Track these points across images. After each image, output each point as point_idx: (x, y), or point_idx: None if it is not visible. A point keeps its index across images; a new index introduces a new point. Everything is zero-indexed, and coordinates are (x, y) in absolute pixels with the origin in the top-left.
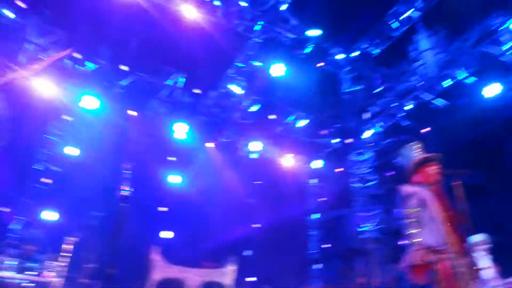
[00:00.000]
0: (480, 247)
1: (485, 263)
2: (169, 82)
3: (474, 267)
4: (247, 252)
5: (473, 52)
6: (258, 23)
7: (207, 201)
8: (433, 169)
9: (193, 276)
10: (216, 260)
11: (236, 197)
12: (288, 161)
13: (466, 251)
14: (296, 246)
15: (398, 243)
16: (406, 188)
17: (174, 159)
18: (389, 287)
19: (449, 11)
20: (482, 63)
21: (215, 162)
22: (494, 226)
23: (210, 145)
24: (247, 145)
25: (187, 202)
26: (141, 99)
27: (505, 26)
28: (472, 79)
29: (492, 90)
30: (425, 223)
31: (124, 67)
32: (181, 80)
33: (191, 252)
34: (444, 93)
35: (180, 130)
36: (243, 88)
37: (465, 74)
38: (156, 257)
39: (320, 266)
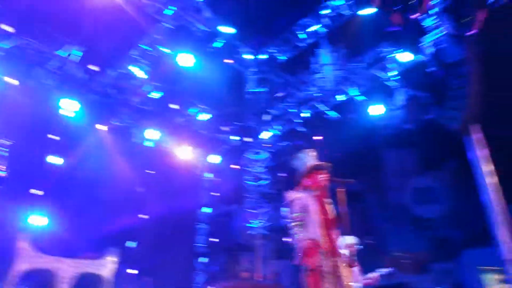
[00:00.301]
0: (350, 248)
1: (352, 263)
2: (61, 53)
3: (343, 266)
4: (132, 243)
5: (365, 74)
6: (170, 7)
7: (92, 187)
8: (321, 176)
9: (66, 267)
10: (96, 250)
11: (124, 185)
12: (184, 153)
13: (337, 252)
14: (184, 239)
15: (283, 240)
16: (291, 194)
17: (57, 138)
18: (270, 281)
19: (351, 34)
20: (372, 84)
21: (105, 146)
22: (369, 228)
23: (101, 127)
24: (143, 132)
25: (68, 186)
26: (26, 67)
27: (391, 55)
28: (361, 97)
29: (376, 109)
30: (307, 225)
31: (7, 28)
32: (76, 53)
33: (68, 241)
34: (337, 107)
35: (68, 107)
36: (145, 72)
37: (356, 92)
38: (23, 245)
39: (206, 259)
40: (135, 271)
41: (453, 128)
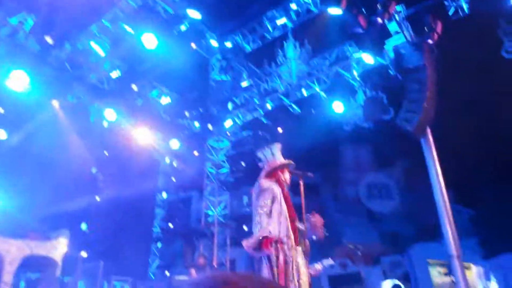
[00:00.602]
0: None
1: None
2: (13, 20)
3: (301, 257)
4: (85, 225)
5: (328, 71)
6: None
7: (44, 165)
8: (285, 173)
9: (15, 249)
10: (47, 231)
11: (79, 165)
12: (143, 136)
13: (297, 243)
14: (139, 223)
15: (240, 228)
16: (264, 182)
17: (0, 110)
18: (225, 267)
19: (317, 30)
20: (334, 81)
21: (58, 123)
22: (323, 220)
23: (54, 103)
24: (100, 111)
25: (17, 163)
26: None
27: (355, 55)
28: (324, 94)
29: (338, 107)
30: (274, 215)
31: None
32: (30, 22)
33: (17, 221)
34: (300, 101)
35: (17, 79)
36: (106, 49)
37: (319, 88)
38: None
39: (161, 244)
40: (86, 254)
41: (408, 130)
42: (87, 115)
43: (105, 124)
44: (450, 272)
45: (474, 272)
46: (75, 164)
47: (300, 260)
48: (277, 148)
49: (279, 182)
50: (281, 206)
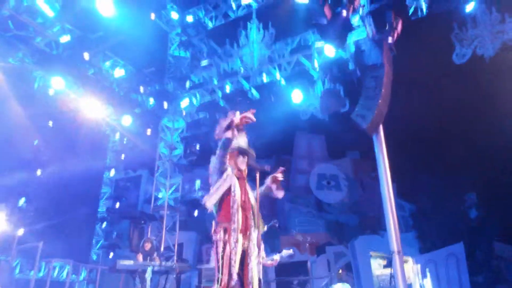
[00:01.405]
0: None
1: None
2: None
3: (253, 246)
4: (23, 201)
5: (290, 58)
6: None
7: None
8: (242, 160)
9: None
10: None
11: (19, 135)
12: (93, 109)
13: (250, 232)
14: (84, 202)
15: (192, 212)
16: (225, 167)
17: None
18: (172, 252)
19: (282, 15)
20: (296, 70)
21: None
22: (273, 208)
23: None
24: (46, 78)
25: None
26: None
27: (317, 45)
28: (284, 81)
29: (297, 96)
30: (226, 203)
31: None
32: None
33: None
34: (261, 87)
35: None
36: (55, 10)
37: (280, 75)
38: None
39: (106, 224)
40: (23, 232)
41: (361, 126)
42: (31, 81)
43: (51, 92)
44: (390, 265)
45: (411, 265)
46: (15, 133)
47: (251, 249)
48: (242, 136)
49: (235, 168)
50: (235, 194)
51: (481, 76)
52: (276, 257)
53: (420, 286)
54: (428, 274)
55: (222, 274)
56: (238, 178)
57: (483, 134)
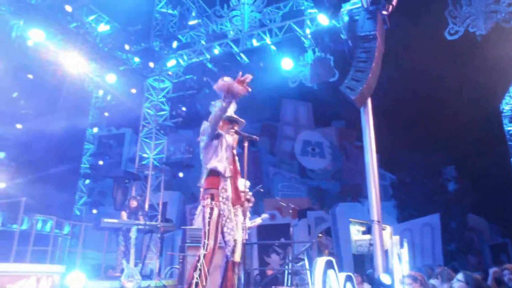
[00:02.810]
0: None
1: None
2: None
3: (240, 212)
4: (3, 155)
5: (282, 24)
6: None
7: None
8: (232, 129)
9: None
10: None
11: None
12: (76, 64)
13: (238, 199)
14: (67, 158)
15: (176, 173)
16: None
17: None
18: (156, 211)
19: None
20: (286, 37)
21: None
22: (258, 172)
23: None
24: (24, 28)
25: None
26: None
27: (310, 12)
28: (274, 47)
29: (287, 64)
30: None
31: None
32: None
33: None
34: (250, 51)
35: None
36: None
37: (270, 40)
38: None
39: (90, 181)
40: (4, 185)
41: (350, 98)
42: (8, 31)
43: (30, 43)
44: (368, 232)
45: (388, 233)
46: None
47: (237, 217)
48: (232, 104)
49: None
50: (224, 151)
51: (471, 54)
52: (258, 220)
53: (398, 256)
54: (405, 244)
55: (208, 239)
56: (229, 146)
57: (465, 110)
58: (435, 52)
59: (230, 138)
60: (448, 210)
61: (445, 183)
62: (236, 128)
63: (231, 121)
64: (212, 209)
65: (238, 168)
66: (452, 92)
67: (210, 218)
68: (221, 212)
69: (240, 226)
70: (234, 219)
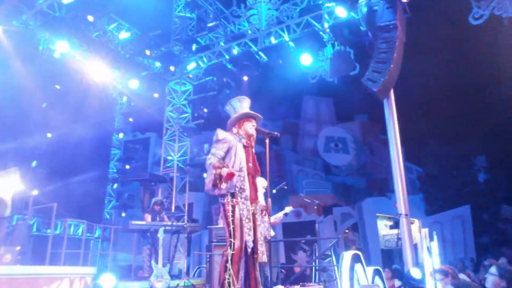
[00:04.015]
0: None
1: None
2: None
3: (260, 213)
4: (35, 164)
5: (299, 20)
6: None
7: None
8: (251, 125)
9: None
10: None
11: (27, 98)
12: (100, 72)
13: (257, 199)
14: (95, 164)
15: (201, 174)
16: (222, 133)
17: None
18: (182, 212)
19: None
20: (305, 32)
21: (2, 51)
22: (281, 169)
23: None
24: (50, 41)
25: None
26: None
27: (328, 5)
28: (293, 44)
29: (306, 59)
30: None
31: None
32: None
33: None
34: (269, 49)
35: None
36: None
37: (288, 37)
38: None
39: (118, 185)
40: (36, 192)
41: (372, 90)
42: (36, 44)
43: (57, 55)
44: (396, 226)
45: (417, 227)
46: (23, 97)
47: (259, 213)
48: (246, 101)
49: (243, 134)
50: (237, 161)
51: (497, 37)
52: (280, 214)
53: (428, 249)
54: (435, 237)
55: (234, 238)
56: (245, 147)
57: (495, 97)
58: (460, 39)
59: (251, 131)
60: (479, 201)
61: (475, 173)
62: (254, 122)
63: (248, 117)
64: (234, 207)
65: (258, 166)
66: (481, 78)
67: (233, 216)
68: (247, 213)
69: (260, 225)
70: (253, 218)
